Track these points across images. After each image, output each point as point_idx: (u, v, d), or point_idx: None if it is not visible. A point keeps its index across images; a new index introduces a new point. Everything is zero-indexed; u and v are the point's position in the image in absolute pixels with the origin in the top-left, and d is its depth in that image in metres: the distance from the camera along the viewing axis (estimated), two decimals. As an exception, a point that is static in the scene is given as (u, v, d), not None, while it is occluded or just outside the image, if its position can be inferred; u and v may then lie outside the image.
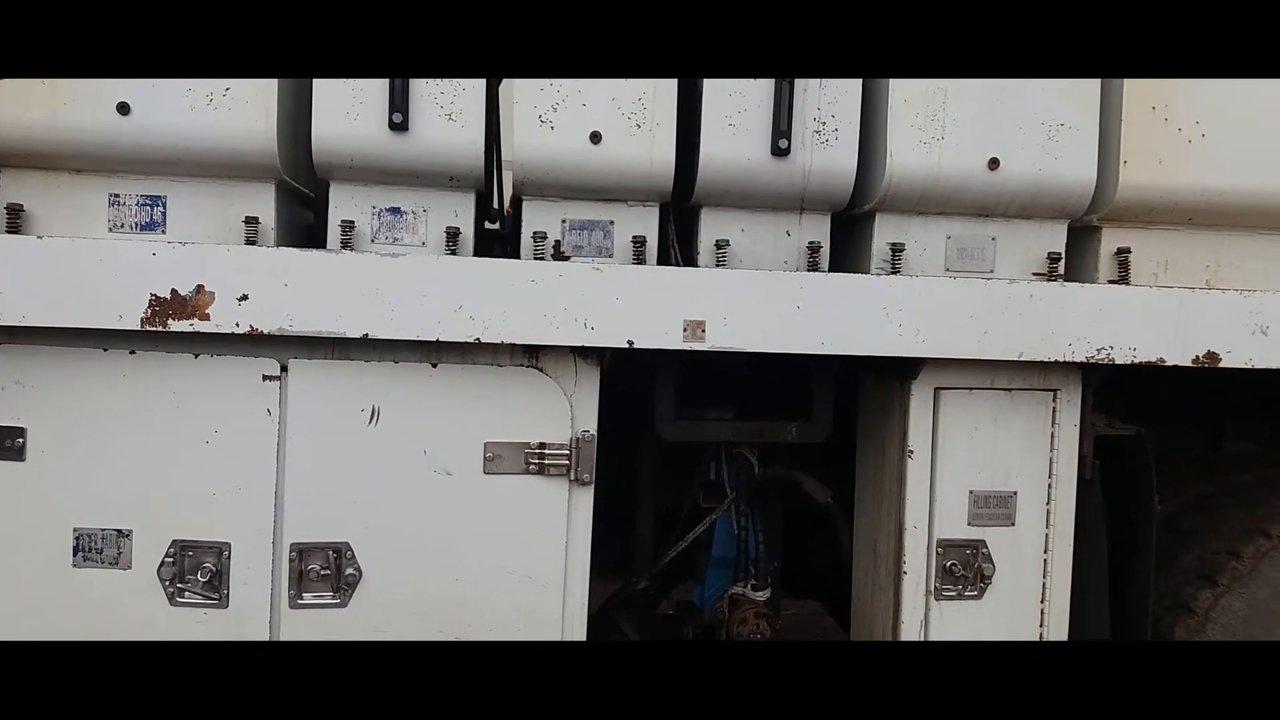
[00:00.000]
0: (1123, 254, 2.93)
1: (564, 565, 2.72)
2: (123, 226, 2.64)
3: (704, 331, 2.59)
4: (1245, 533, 3.18)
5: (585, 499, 2.73)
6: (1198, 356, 2.77)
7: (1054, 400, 2.91)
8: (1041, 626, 2.94)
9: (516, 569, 2.71)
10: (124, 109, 2.52)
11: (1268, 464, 3.54)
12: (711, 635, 3.35)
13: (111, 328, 2.43)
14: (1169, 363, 2.76)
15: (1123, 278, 2.93)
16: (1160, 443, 3.05)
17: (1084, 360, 2.75)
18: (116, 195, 2.64)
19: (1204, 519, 3.32)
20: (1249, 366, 2.79)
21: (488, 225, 3.07)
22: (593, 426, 2.72)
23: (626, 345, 2.58)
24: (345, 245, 2.68)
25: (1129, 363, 2.75)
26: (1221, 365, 2.77)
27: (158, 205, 2.64)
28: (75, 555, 2.57)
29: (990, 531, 2.90)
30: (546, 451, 2.68)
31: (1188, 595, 3.13)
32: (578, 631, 2.76)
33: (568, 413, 2.70)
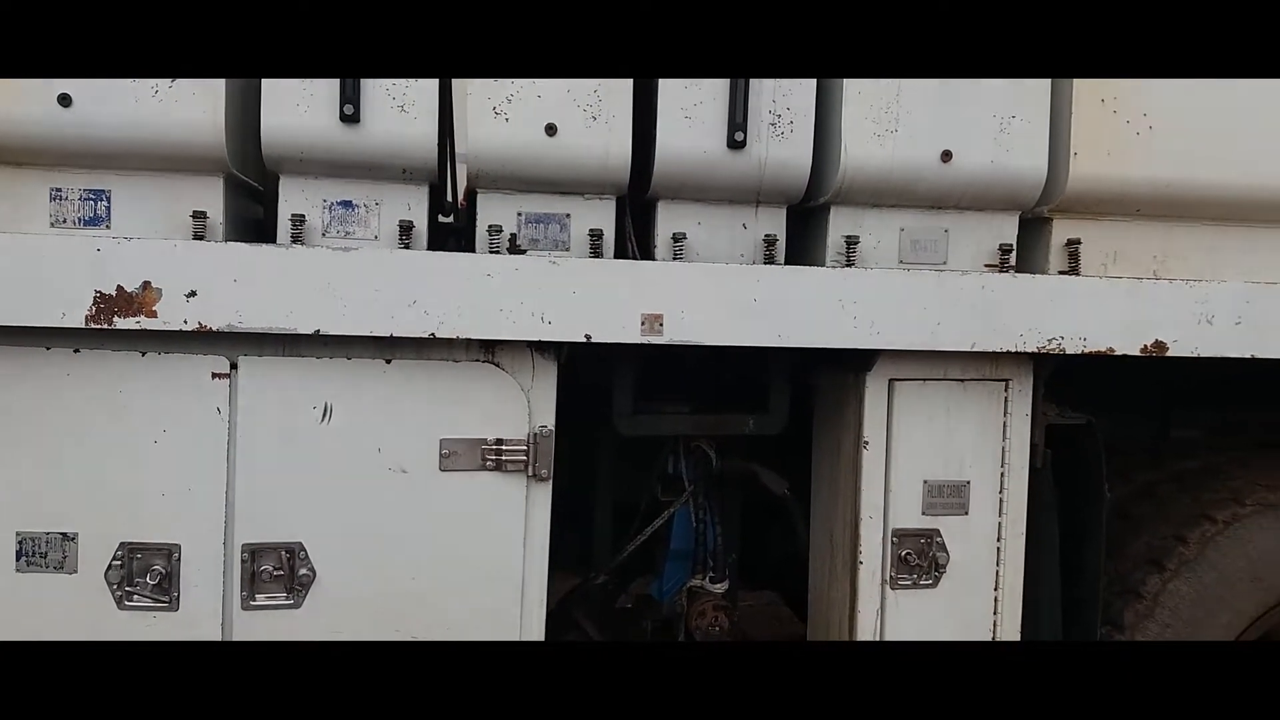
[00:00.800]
0: (1073, 245, 2.97)
1: (522, 561, 2.70)
2: (65, 222, 2.57)
3: (661, 325, 2.58)
4: (1191, 518, 3.24)
5: (543, 495, 2.71)
6: (1146, 346, 2.81)
7: (1006, 390, 2.93)
8: (995, 614, 2.97)
9: (474, 566, 2.69)
10: (65, 100, 2.45)
11: (1212, 450, 3.61)
12: (670, 628, 3.36)
13: (55, 326, 2.37)
14: (1118, 352, 2.80)
15: (1073, 268, 2.97)
16: (1110, 431, 3.09)
17: (1035, 350, 2.78)
18: (58, 189, 2.57)
19: (1152, 505, 3.38)
20: (1195, 355, 2.83)
21: (441, 219, 3.03)
22: (550, 422, 2.70)
23: (584, 339, 2.57)
24: (296, 239, 2.64)
25: (1079, 352, 2.79)
26: (1169, 354, 2.82)
27: (101, 199, 2.58)
28: (18, 560, 2.50)
29: (944, 521, 2.93)
30: (504, 448, 2.66)
31: (1136, 580, 3.17)
32: (536, 628, 2.74)
33: (525, 408, 2.68)
